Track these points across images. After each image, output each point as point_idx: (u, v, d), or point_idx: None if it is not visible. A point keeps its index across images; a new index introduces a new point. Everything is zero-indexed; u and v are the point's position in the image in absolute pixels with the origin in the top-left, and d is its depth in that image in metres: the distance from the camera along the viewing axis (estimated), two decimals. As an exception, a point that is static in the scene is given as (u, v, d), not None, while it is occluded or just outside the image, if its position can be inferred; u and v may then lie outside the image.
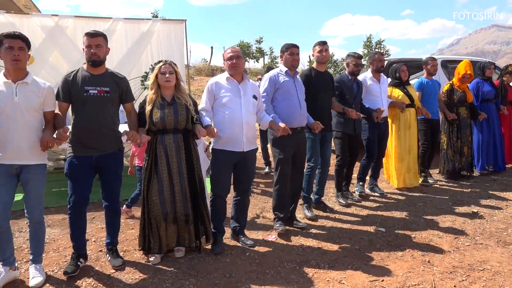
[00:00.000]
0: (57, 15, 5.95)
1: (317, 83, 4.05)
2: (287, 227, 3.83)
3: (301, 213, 4.26)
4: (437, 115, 5.52)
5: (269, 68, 6.36)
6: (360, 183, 5.07)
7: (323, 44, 4.09)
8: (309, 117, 3.85)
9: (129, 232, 3.82)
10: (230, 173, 3.42)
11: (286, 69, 3.72)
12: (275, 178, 3.76)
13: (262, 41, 29.31)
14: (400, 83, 5.13)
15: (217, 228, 3.44)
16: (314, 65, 4.20)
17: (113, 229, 3.22)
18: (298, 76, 3.84)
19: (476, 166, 5.97)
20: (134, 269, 3.07)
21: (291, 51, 3.70)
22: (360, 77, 4.81)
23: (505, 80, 6.10)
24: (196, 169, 3.22)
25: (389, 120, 5.19)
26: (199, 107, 3.35)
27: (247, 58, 28.60)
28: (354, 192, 5.02)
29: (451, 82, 5.69)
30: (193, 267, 3.12)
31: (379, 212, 4.40)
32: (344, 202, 4.62)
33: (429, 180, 5.50)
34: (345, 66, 4.67)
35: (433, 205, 4.62)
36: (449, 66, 7.41)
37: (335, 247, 3.50)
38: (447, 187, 5.32)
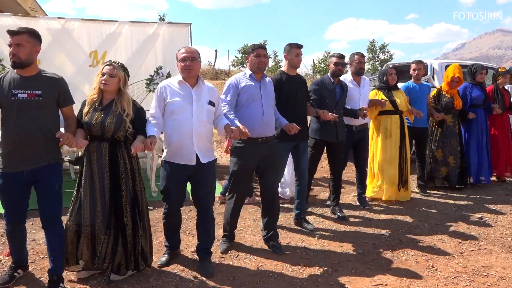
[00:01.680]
0: (63, 18, 6.00)
1: (289, 88, 3.74)
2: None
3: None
4: (425, 122, 5.17)
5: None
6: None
7: (300, 48, 3.82)
8: (283, 119, 3.53)
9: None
10: (182, 187, 3.08)
11: (251, 72, 3.38)
12: (228, 190, 3.50)
13: (266, 45, 29.50)
14: (387, 87, 4.81)
15: (168, 242, 3.23)
16: (284, 69, 3.86)
17: (53, 254, 2.72)
18: (267, 80, 3.50)
19: (472, 177, 5.56)
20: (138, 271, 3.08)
21: (257, 53, 3.35)
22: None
23: (499, 83, 5.70)
24: (126, 185, 2.84)
25: (371, 126, 4.92)
26: (149, 113, 3.00)
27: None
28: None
29: (439, 87, 5.41)
30: (196, 270, 3.12)
31: (382, 216, 4.39)
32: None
33: (426, 191, 5.24)
34: (328, 69, 4.37)
35: (437, 209, 4.61)
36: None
37: (338, 250, 3.50)
38: (451, 192, 5.30)
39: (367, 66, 30.64)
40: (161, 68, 6.29)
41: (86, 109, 2.83)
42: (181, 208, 3.24)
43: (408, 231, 3.96)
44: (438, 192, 5.29)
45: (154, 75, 6.35)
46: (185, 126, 2.92)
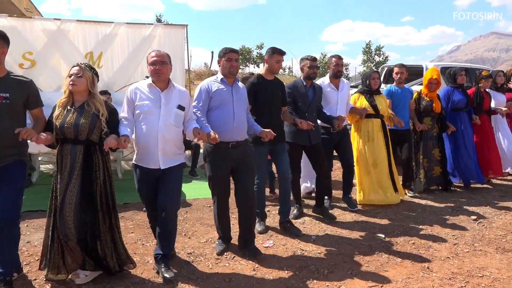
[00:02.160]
0: (59, 19, 6.00)
1: (265, 92, 3.71)
2: (198, 251, 3.47)
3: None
4: (406, 125, 5.11)
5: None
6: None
7: (283, 55, 3.78)
8: (257, 126, 3.49)
9: (129, 236, 3.82)
10: (152, 190, 3.03)
11: (222, 76, 3.34)
12: (212, 196, 3.47)
13: (263, 47, 29.56)
14: (369, 91, 4.76)
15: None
16: (262, 73, 3.84)
17: (3, 257, 2.68)
18: (239, 84, 3.45)
19: (454, 179, 5.54)
20: (134, 273, 3.07)
21: (228, 57, 3.30)
22: (318, 81, 4.53)
23: (481, 86, 5.70)
24: (99, 188, 2.80)
25: (353, 131, 4.87)
26: (121, 115, 2.99)
27: (247, 63, 28.78)
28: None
29: (419, 90, 5.34)
30: (193, 271, 3.12)
31: (378, 218, 4.40)
32: (294, 215, 4.23)
33: (408, 195, 5.20)
34: (300, 72, 4.30)
35: (433, 211, 4.63)
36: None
37: (334, 252, 3.50)
38: (446, 194, 5.32)
39: (362, 68, 30.84)
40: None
41: (57, 112, 2.78)
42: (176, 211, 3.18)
43: (404, 232, 3.97)
44: (433, 194, 5.31)
45: (150, 76, 6.34)
46: (151, 129, 2.90)
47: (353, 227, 4.14)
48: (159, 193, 3.01)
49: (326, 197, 4.54)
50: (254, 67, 29.02)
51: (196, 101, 3.28)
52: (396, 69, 5.16)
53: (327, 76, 4.61)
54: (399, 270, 3.17)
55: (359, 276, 3.07)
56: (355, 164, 4.78)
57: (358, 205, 4.73)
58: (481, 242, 3.74)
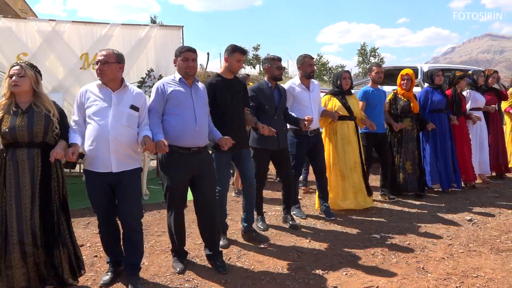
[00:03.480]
0: (54, 20, 5.96)
1: (224, 93, 3.46)
2: (192, 253, 3.36)
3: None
4: (383, 128, 5.02)
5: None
6: (296, 205, 4.47)
7: (244, 54, 3.62)
8: (216, 132, 3.26)
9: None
10: (107, 196, 2.84)
11: (180, 77, 3.09)
12: (167, 206, 3.20)
13: (259, 48, 29.62)
14: (340, 92, 4.59)
15: (109, 258, 3.00)
16: (221, 72, 3.61)
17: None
18: (199, 85, 3.22)
19: (431, 182, 5.36)
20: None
21: (184, 56, 3.05)
22: (286, 85, 4.35)
23: (458, 87, 5.54)
24: (57, 193, 2.71)
25: (325, 135, 4.70)
26: (72, 119, 2.85)
27: (243, 64, 28.83)
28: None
29: (395, 91, 5.20)
30: (188, 273, 3.12)
31: (374, 219, 4.42)
32: (262, 227, 4.03)
33: (387, 199, 5.07)
34: (264, 72, 4.07)
35: (427, 212, 4.65)
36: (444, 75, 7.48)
37: (330, 253, 3.51)
38: (441, 195, 5.34)
39: (358, 70, 30.97)
40: (152, 70, 6.28)
41: None
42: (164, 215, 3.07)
43: (399, 233, 3.98)
44: (429, 195, 5.33)
45: (145, 77, 6.34)
46: (102, 130, 2.74)
47: (349, 228, 4.14)
48: (118, 203, 2.86)
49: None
50: (250, 68, 29.06)
51: (151, 102, 3.08)
52: (375, 69, 5.02)
53: (297, 77, 4.42)
54: (394, 271, 3.18)
55: (355, 277, 3.08)
56: (328, 169, 4.58)
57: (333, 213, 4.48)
58: (476, 243, 3.76)
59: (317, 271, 3.16)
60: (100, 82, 2.86)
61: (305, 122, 3.91)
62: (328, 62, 30.78)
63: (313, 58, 4.42)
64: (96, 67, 2.82)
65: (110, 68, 2.79)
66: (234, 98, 3.54)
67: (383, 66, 6.55)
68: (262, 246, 3.63)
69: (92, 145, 2.76)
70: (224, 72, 3.59)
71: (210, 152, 3.45)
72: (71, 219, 2.87)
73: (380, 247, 3.63)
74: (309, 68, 4.31)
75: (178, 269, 3.14)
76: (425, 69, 6.73)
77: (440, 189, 5.44)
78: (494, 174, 6.29)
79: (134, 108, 2.85)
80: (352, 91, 4.78)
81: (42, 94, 2.71)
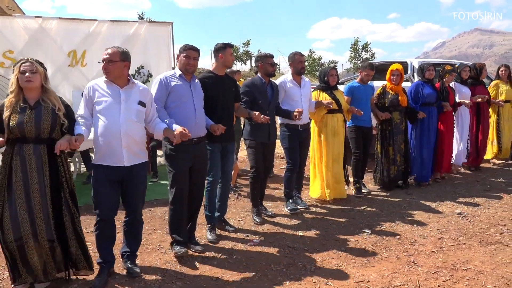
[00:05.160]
0: (40, 17, 5.89)
1: (216, 89, 3.63)
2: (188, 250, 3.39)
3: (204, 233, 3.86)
4: (368, 122, 5.11)
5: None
6: (290, 200, 4.56)
7: (232, 47, 3.77)
8: (208, 120, 3.47)
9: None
10: (114, 192, 2.93)
11: (180, 73, 3.31)
12: (170, 197, 3.34)
13: (249, 44, 29.54)
14: (328, 87, 4.74)
15: (102, 258, 2.98)
16: (212, 69, 3.78)
17: None
18: (196, 81, 3.44)
19: (415, 175, 5.52)
20: (119, 274, 3.04)
21: (187, 54, 3.28)
22: (278, 80, 4.48)
23: (445, 81, 5.67)
24: (66, 187, 2.79)
25: (314, 127, 4.82)
26: (77, 113, 2.91)
27: (234, 61, 28.76)
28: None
29: (384, 85, 5.27)
30: (180, 270, 3.10)
31: (365, 214, 4.44)
32: (258, 221, 4.15)
33: (363, 191, 5.17)
34: (258, 69, 4.21)
35: (418, 206, 4.69)
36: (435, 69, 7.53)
37: (321, 249, 3.52)
38: (431, 189, 5.38)
39: (349, 65, 31.04)
40: (142, 67, 6.24)
41: (7, 113, 2.64)
42: (159, 210, 3.18)
43: (390, 227, 4.01)
44: (418, 189, 5.37)
45: (135, 74, 6.29)
46: (113, 126, 2.82)
47: (340, 223, 4.16)
48: (127, 194, 2.98)
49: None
50: (241, 64, 29.00)
51: (155, 94, 3.23)
52: (368, 71, 5.07)
53: (289, 73, 4.55)
54: (385, 265, 3.20)
55: (346, 272, 3.09)
56: (317, 160, 4.81)
57: (306, 202, 4.74)
58: (465, 236, 3.79)
59: (308, 267, 3.17)
60: (106, 78, 2.92)
61: (296, 114, 4.11)
62: (321, 58, 30.83)
63: (303, 55, 4.54)
64: (102, 65, 2.88)
65: (115, 67, 2.85)
66: (225, 94, 3.69)
67: (373, 61, 6.59)
68: (253, 243, 3.63)
69: (104, 140, 2.84)
70: (216, 69, 3.73)
71: None
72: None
73: (371, 242, 3.65)
74: (299, 64, 4.44)
75: (179, 253, 3.28)
76: (415, 64, 6.76)
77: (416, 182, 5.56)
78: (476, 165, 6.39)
79: (142, 104, 2.96)
80: (341, 86, 4.86)
81: (49, 90, 2.77)
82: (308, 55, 30.42)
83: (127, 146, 2.86)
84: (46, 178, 2.69)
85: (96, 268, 2.98)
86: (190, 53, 3.29)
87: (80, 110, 2.91)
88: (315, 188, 4.89)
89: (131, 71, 6.15)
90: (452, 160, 6.00)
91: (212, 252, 3.42)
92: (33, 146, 2.66)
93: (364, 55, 30.98)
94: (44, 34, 5.80)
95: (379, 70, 7.37)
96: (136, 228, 3.12)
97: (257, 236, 3.80)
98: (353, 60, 30.78)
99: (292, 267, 3.16)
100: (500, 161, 6.78)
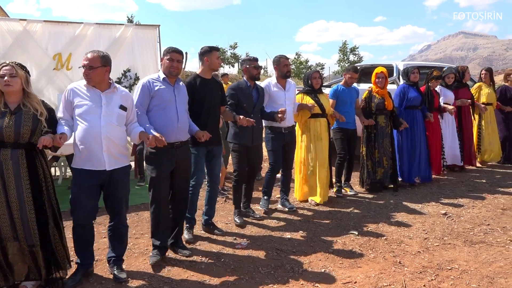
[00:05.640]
0: (25, 20, 5.81)
1: (202, 92, 3.62)
2: (172, 254, 3.41)
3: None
4: (353, 124, 5.15)
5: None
6: (265, 197, 4.64)
7: (218, 50, 3.76)
8: (193, 125, 3.47)
9: (101, 240, 3.74)
10: (93, 197, 2.90)
11: (164, 76, 3.27)
12: (150, 200, 3.31)
13: (236, 47, 29.59)
14: (312, 91, 4.77)
15: (80, 260, 2.98)
16: (199, 72, 3.75)
17: None
18: (181, 84, 3.40)
19: (402, 177, 5.58)
20: (106, 279, 3.01)
21: (171, 56, 3.23)
22: (263, 84, 4.50)
23: (431, 85, 5.76)
24: (46, 192, 2.74)
25: (298, 130, 4.87)
26: (57, 116, 2.89)
27: (222, 63, 28.75)
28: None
29: (370, 88, 5.33)
30: (167, 275, 3.09)
31: (351, 215, 4.47)
32: (239, 222, 4.15)
33: (349, 192, 5.24)
34: (243, 73, 4.24)
35: (404, 207, 4.74)
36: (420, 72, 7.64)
37: (309, 250, 3.54)
38: (416, 190, 5.45)
39: (337, 68, 31.29)
40: (129, 70, 6.20)
41: None
42: (146, 214, 3.17)
43: (377, 229, 4.05)
44: (404, 190, 5.43)
45: (121, 78, 6.24)
46: (93, 130, 2.80)
47: (327, 225, 4.19)
48: (109, 199, 2.96)
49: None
50: (229, 67, 29.02)
51: (138, 99, 3.19)
52: (352, 74, 5.11)
53: (274, 76, 4.56)
54: (371, 266, 3.23)
55: (334, 273, 3.11)
56: (300, 164, 4.85)
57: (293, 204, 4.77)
58: (450, 236, 3.85)
59: (296, 269, 3.18)
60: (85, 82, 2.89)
61: (279, 115, 4.11)
62: (308, 61, 31.03)
63: (288, 59, 4.57)
64: (82, 71, 2.84)
65: (96, 73, 2.81)
66: (211, 97, 3.69)
67: (360, 64, 6.67)
68: (240, 246, 3.63)
69: (85, 144, 2.80)
70: (203, 72, 3.73)
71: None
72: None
73: (358, 243, 3.68)
74: (284, 68, 4.45)
75: (151, 262, 3.24)
76: (401, 67, 6.85)
77: (406, 183, 5.61)
78: (467, 166, 6.52)
79: (123, 108, 2.93)
80: (329, 89, 4.87)
81: (31, 94, 2.72)
82: (295, 58, 30.60)
83: (108, 150, 2.84)
84: (24, 183, 2.64)
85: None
86: (174, 55, 3.25)
87: (59, 113, 2.88)
88: (300, 191, 4.94)
89: (118, 74, 6.18)
90: (445, 163, 6.08)
91: (200, 256, 3.41)
92: (11, 151, 2.62)
93: (352, 57, 31.31)
94: (29, 37, 5.72)
95: (365, 73, 7.44)
96: (121, 232, 3.08)
97: (244, 239, 3.80)
98: (341, 63, 31.07)
99: (280, 270, 3.17)
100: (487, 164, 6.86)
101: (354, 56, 31.49)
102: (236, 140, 4.12)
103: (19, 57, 5.74)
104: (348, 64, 30.20)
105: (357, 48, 31.73)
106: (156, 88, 3.22)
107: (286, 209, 4.62)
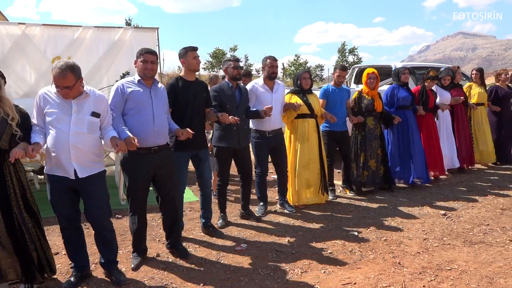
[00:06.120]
0: (24, 23, 5.83)
1: (186, 94, 3.54)
2: (172, 258, 3.42)
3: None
4: (343, 126, 5.11)
5: (246, 73, 6.21)
6: (261, 203, 4.60)
7: (196, 50, 3.65)
8: (173, 124, 3.36)
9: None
10: (70, 201, 2.86)
11: (139, 78, 3.17)
12: (128, 207, 3.28)
13: (236, 49, 29.61)
14: (301, 91, 4.70)
15: (73, 262, 3.00)
16: (182, 74, 3.69)
17: None
18: (159, 86, 3.29)
19: (397, 177, 5.54)
20: (106, 281, 3.01)
21: (144, 58, 3.13)
22: (249, 85, 4.48)
23: (427, 85, 5.70)
24: (15, 198, 2.69)
25: (287, 131, 4.82)
26: (32, 121, 2.81)
27: (221, 65, 28.78)
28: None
29: (360, 89, 5.27)
30: (166, 277, 3.09)
31: (351, 216, 4.48)
32: (219, 225, 4.13)
33: (349, 193, 5.24)
34: (224, 74, 4.16)
35: (403, 207, 4.74)
36: (417, 72, 7.67)
37: (309, 252, 3.54)
38: (416, 191, 5.45)
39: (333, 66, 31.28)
40: (128, 73, 6.21)
41: None
42: (147, 216, 3.18)
43: (376, 229, 4.05)
44: (403, 191, 5.43)
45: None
46: (62, 138, 2.71)
47: (326, 226, 4.19)
48: (87, 206, 2.89)
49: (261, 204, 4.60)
50: (229, 69, 29.03)
51: (111, 102, 3.10)
52: (338, 72, 5.06)
53: (261, 77, 4.52)
54: (371, 267, 3.23)
55: (333, 274, 3.11)
56: (290, 167, 4.74)
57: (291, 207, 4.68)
58: (450, 236, 3.86)
59: (296, 270, 3.18)
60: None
61: (265, 109, 4.06)
62: (307, 62, 31.06)
63: (276, 60, 4.50)
64: (58, 90, 2.70)
65: (74, 90, 2.70)
66: (195, 99, 3.62)
67: (359, 65, 6.65)
68: (239, 248, 3.63)
69: (54, 152, 2.74)
70: (185, 74, 3.67)
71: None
72: (46, 226, 2.92)
73: (358, 244, 3.69)
74: (270, 69, 4.39)
75: (132, 265, 3.24)
76: (399, 67, 6.86)
77: (405, 185, 5.59)
78: (466, 167, 6.50)
79: (95, 114, 2.82)
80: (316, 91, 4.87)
81: (3, 98, 2.67)
82: (294, 60, 30.63)
83: (77, 159, 2.75)
84: None
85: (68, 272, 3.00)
86: (148, 57, 3.13)
87: (33, 119, 2.81)
88: (293, 195, 4.80)
89: (117, 77, 6.19)
90: (448, 165, 6.05)
91: (199, 258, 3.41)
92: None
93: (351, 58, 31.34)
94: (27, 40, 5.74)
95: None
96: (106, 237, 2.99)
97: (244, 241, 3.80)
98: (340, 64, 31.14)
99: (280, 271, 3.17)
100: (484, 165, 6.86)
101: (353, 57, 31.53)
102: (222, 143, 4.06)
103: (18, 60, 5.78)
104: (348, 65, 30.23)
105: (356, 49, 31.79)
106: (130, 90, 3.11)
107: (286, 210, 4.61)
